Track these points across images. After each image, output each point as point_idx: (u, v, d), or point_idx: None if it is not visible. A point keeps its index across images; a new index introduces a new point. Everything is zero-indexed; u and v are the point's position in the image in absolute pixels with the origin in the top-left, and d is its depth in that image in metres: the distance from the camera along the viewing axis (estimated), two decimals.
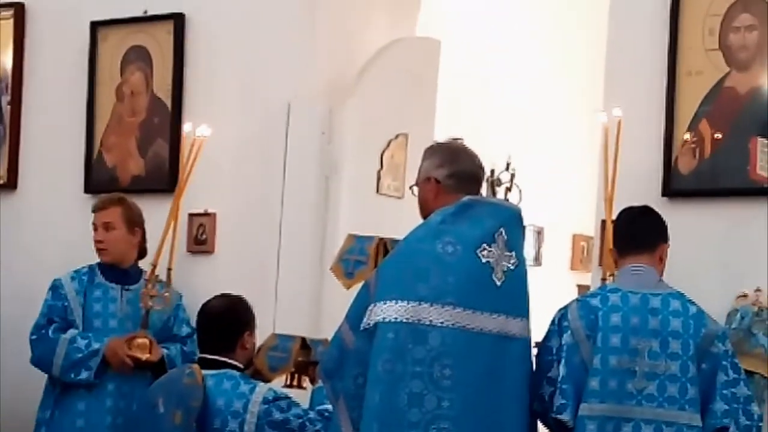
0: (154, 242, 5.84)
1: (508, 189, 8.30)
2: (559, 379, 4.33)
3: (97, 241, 5.81)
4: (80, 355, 5.60)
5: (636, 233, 4.56)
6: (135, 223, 5.84)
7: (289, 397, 4.68)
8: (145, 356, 5.58)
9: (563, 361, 4.34)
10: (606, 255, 5.03)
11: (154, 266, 5.66)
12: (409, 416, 3.94)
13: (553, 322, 4.47)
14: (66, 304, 5.75)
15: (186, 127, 5.83)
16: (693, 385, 4.32)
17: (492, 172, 7.99)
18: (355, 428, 4.06)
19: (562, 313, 4.44)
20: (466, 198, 4.22)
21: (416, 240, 4.17)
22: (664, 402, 4.31)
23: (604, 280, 5.01)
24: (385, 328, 4.01)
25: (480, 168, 4.43)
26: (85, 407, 5.65)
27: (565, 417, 4.30)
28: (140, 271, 5.85)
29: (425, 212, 4.34)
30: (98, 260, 5.84)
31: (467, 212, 4.18)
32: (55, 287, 5.80)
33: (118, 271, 5.82)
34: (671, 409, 4.31)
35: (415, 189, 4.45)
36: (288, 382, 5.06)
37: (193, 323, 5.24)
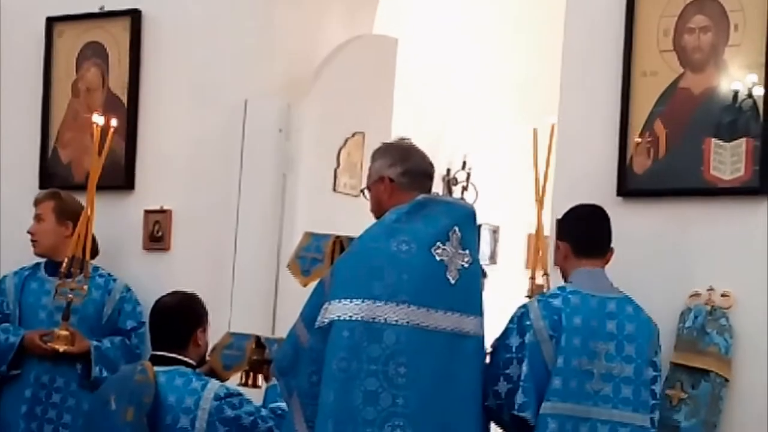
0: (110, 239, 5.82)
1: (464, 188, 8.34)
2: (522, 377, 4.39)
3: (28, 233, 5.88)
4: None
5: (597, 238, 4.72)
6: (67, 215, 5.85)
7: (241, 394, 4.67)
8: (62, 348, 5.60)
9: (526, 359, 4.40)
10: (537, 254, 5.14)
11: (72, 258, 5.56)
12: (364, 414, 3.95)
13: (512, 320, 4.51)
14: (3, 299, 5.86)
15: (94, 117, 5.76)
16: (645, 387, 4.49)
17: (448, 171, 8.02)
18: (309, 425, 4.06)
19: (523, 312, 4.49)
20: (420, 197, 4.24)
21: (371, 239, 4.18)
22: (619, 403, 4.45)
23: (533, 278, 5.12)
24: (340, 326, 4.01)
25: (430, 165, 4.47)
26: (5, 395, 5.74)
27: (527, 415, 4.38)
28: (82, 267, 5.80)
29: (379, 212, 4.36)
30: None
31: (421, 211, 4.20)
32: None
33: (55, 264, 5.79)
34: (625, 410, 4.46)
35: (367, 192, 4.49)
36: (242, 381, 5.05)
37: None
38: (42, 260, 5.92)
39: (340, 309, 4.04)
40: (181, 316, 4.82)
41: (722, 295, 4.83)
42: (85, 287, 5.61)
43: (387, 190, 4.36)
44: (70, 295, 5.57)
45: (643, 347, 4.52)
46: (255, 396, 4.83)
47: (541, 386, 4.40)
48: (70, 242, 5.66)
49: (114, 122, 5.76)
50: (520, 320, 4.47)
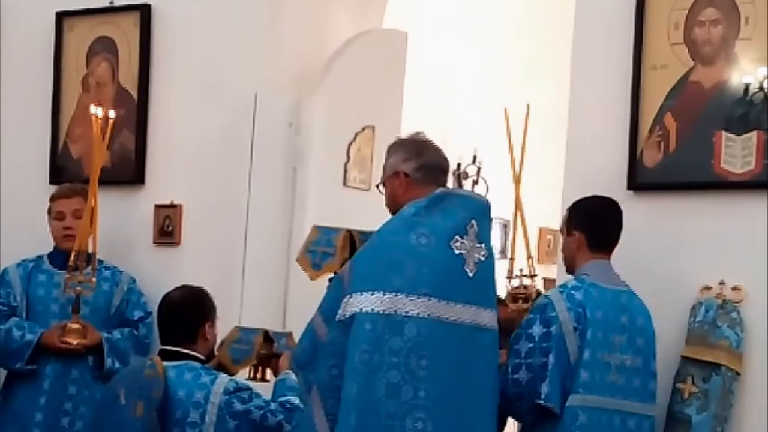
0: (121, 234, 5.82)
1: (475, 182, 8.32)
2: (549, 367, 4.46)
3: (66, 228, 5.83)
4: (15, 345, 5.69)
5: (613, 233, 4.80)
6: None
7: (251, 388, 4.68)
8: (75, 341, 5.63)
9: (553, 350, 4.47)
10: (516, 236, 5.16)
11: (78, 252, 5.55)
12: (386, 407, 3.96)
13: (534, 310, 4.59)
14: (9, 290, 5.84)
15: (92, 109, 5.74)
16: (652, 378, 4.63)
17: (458, 165, 8.00)
18: (330, 419, 4.06)
19: (546, 303, 4.55)
20: (438, 190, 4.26)
21: (390, 232, 4.19)
22: (630, 394, 4.57)
23: (513, 259, 5.15)
24: (362, 319, 4.02)
25: (445, 160, 4.48)
26: (22, 389, 5.75)
27: (554, 405, 4.45)
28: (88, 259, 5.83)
29: (394, 207, 4.37)
30: (49, 251, 5.91)
31: (440, 204, 4.21)
32: (1, 276, 5.89)
33: (63, 256, 5.79)
34: (634, 400, 4.58)
35: (382, 187, 4.49)
36: (251, 375, 5.05)
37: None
38: (43, 252, 5.92)
39: (361, 302, 4.04)
40: (189, 310, 4.83)
41: (733, 289, 4.82)
42: (94, 279, 5.62)
43: (402, 185, 4.36)
44: (79, 288, 5.58)
45: (650, 340, 4.67)
46: (264, 390, 4.83)
47: (563, 377, 4.48)
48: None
49: (112, 113, 5.75)
50: (543, 311, 4.53)
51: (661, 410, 4.78)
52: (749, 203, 4.85)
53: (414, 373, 3.99)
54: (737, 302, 4.80)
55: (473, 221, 4.21)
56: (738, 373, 4.76)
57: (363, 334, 4.00)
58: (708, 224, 4.93)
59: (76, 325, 5.64)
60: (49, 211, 5.94)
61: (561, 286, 4.71)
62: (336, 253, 4.64)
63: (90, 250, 5.60)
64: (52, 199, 5.93)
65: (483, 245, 4.23)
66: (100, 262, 5.75)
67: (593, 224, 4.79)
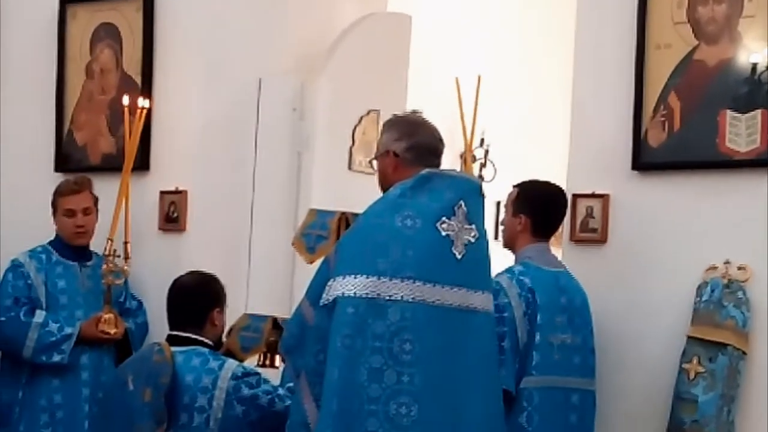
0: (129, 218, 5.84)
1: (483, 165, 8.30)
2: (505, 352, 4.58)
3: (78, 226, 5.84)
4: (53, 338, 5.66)
5: (558, 224, 5.01)
6: (96, 203, 5.91)
7: (258, 374, 4.68)
8: (113, 331, 5.68)
9: (507, 335, 4.62)
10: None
11: (111, 240, 5.64)
12: (369, 391, 3.89)
13: None
14: (30, 282, 5.80)
15: (124, 100, 5.79)
16: (591, 354, 4.83)
17: (464, 147, 7.97)
18: (317, 404, 3.99)
19: (498, 290, 4.61)
20: (424, 171, 4.16)
21: (375, 214, 4.13)
22: (572, 371, 4.76)
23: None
24: (344, 303, 3.96)
25: (439, 141, 4.38)
26: (60, 382, 5.72)
27: (510, 387, 4.59)
28: (90, 249, 5.92)
29: (384, 186, 4.31)
30: (50, 240, 5.92)
31: (426, 185, 4.13)
32: (15, 266, 5.84)
33: (74, 248, 5.85)
34: (576, 376, 4.78)
35: (375, 163, 4.44)
36: (260, 362, 5.05)
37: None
38: (46, 244, 5.92)
39: (344, 285, 3.98)
40: (198, 295, 4.83)
41: (739, 268, 4.81)
42: (127, 268, 5.68)
43: (391, 165, 4.31)
44: (110, 278, 5.65)
45: (587, 318, 4.85)
46: (272, 377, 4.83)
47: (516, 361, 4.64)
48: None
49: (146, 103, 5.79)
50: (495, 297, 4.51)
51: (667, 390, 4.78)
52: (754, 182, 4.83)
53: (397, 357, 3.92)
54: (743, 281, 4.79)
55: (461, 202, 4.12)
56: (744, 353, 4.75)
57: (345, 318, 3.94)
58: (713, 203, 4.91)
59: (109, 315, 5.69)
60: (55, 206, 5.90)
61: (508, 272, 4.79)
62: (330, 236, 4.59)
63: (125, 239, 5.69)
64: (60, 194, 5.89)
65: (473, 226, 4.14)
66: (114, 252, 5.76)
67: (543, 213, 4.93)
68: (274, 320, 5.04)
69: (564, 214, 5.00)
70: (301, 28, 6.34)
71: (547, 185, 4.98)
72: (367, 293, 3.95)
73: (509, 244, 4.99)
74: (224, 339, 5.00)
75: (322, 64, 6.33)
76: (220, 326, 4.89)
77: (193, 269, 5.06)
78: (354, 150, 6.44)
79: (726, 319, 4.75)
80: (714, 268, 4.84)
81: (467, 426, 4.04)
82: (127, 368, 4.79)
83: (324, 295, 4.03)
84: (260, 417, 4.58)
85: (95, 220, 5.91)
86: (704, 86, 4.95)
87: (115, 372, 5.03)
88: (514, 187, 5.03)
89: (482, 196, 4.23)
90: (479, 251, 4.16)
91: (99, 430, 4.82)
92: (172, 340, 4.73)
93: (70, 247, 5.86)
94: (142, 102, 5.76)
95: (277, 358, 5.06)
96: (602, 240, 5.12)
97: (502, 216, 5.21)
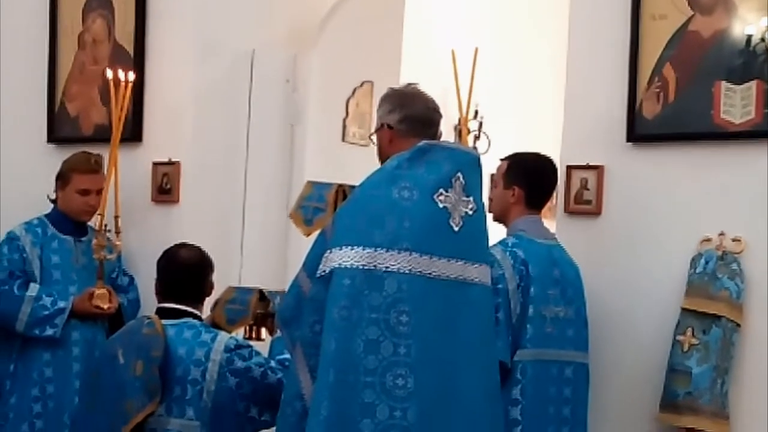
0: (119, 192, 5.82)
1: (476, 137, 8.28)
2: (500, 324, 4.57)
3: (90, 205, 5.82)
4: (46, 312, 5.66)
5: (550, 194, 4.98)
6: None
7: (251, 346, 4.67)
8: (106, 305, 5.68)
9: (502, 307, 4.61)
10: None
11: (102, 215, 5.63)
12: (365, 363, 3.88)
13: None
14: (25, 255, 5.77)
15: (108, 74, 5.75)
16: (584, 327, 4.83)
17: (459, 120, 7.95)
18: (313, 376, 3.98)
19: (492, 262, 4.51)
20: (422, 142, 4.14)
21: (372, 186, 4.10)
22: (565, 344, 4.76)
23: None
24: (340, 275, 3.94)
25: (434, 111, 4.36)
26: (51, 356, 5.72)
27: (506, 359, 4.58)
28: (86, 224, 5.91)
29: (383, 159, 4.29)
30: (46, 213, 5.91)
31: (423, 157, 4.10)
32: (11, 239, 5.81)
33: (70, 223, 5.84)
34: (569, 349, 4.78)
35: (374, 138, 4.43)
36: (247, 335, 5.04)
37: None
38: (41, 213, 5.90)
39: (340, 257, 3.97)
40: (201, 270, 4.82)
41: (733, 240, 4.79)
42: (119, 243, 5.67)
43: (387, 137, 4.30)
44: (103, 253, 5.64)
45: (579, 290, 4.85)
46: (260, 349, 4.81)
47: (510, 333, 4.64)
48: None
49: (130, 76, 5.75)
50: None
51: (660, 362, 4.78)
52: (749, 153, 4.81)
53: (394, 329, 3.91)
54: (737, 253, 4.78)
55: (459, 174, 4.11)
56: (738, 325, 4.74)
57: (341, 289, 3.93)
58: (707, 175, 4.90)
59: (102, 290, 5.68)
60: (66, 180, 5.84)
61: (501, 244, 4.77)
62: (327, 208, 4.58)
63: (115, 213, 5.69)
64: (77, 171, 5.82)
65: (471, 198, 4.13)
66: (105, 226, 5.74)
67: (537, 183, 4.91)
68: (260, 292, 5.03)
69: (555, 183, 5.00)
70: (294, 0, 6.30)
71: (537, 156, 4.97)
72: (363, 264, 3.93)
73: (500, 217, 4.97)
74: (210, 311, 4.99)
75: (316, 36, 6.31)
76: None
77: (184, 241, 5.02)
78: (347, 122, 6.43)
79: (720, 291, 4.74)
80: (708, 239, 4.83)
81: (463, 398, 4.03)
82: (116, 341, 4.76)
83: (320, 267, 4.01)
84: (253, 389, 4.58)
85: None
86: (699, 57, 4.93)
87: (103, 345, 5.01)
88: (503, 160, 5.01)
89: (480, 168, 4.21)
90: (477, 223, 4.14)
91: (87, 403, 4.79)
92: (161, 313, 4.71)
93: (71, 221, 5.83)
94: (123, 75, 5.70)
95: (263, 330, 5.07)
96: (597, 212, 5.11)
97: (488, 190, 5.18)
